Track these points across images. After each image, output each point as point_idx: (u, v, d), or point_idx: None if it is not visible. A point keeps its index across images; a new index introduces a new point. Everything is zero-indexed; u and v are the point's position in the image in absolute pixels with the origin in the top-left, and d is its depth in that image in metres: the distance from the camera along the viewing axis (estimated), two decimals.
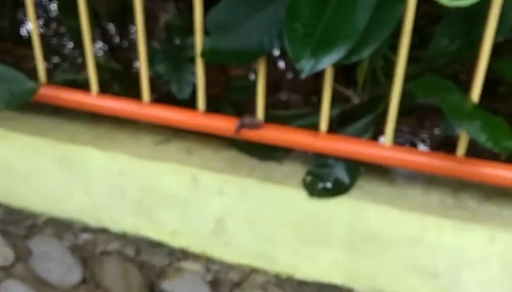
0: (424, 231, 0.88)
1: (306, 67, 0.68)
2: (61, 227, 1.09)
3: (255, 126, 0.93)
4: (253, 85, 1.20)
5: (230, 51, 0.87)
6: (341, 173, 0.93)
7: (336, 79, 0.89)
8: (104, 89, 1.04)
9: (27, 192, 1.10)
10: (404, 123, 1.56)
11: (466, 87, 0.83)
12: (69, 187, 1.06)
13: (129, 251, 1.05)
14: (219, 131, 0.96)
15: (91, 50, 0.99)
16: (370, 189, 0.92)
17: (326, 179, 0.93)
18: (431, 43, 0.86)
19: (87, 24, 0.97)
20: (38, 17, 1.52)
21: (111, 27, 1.79)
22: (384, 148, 0.89)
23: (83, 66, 1.74)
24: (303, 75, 0.68)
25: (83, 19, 0.96)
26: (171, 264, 1.04)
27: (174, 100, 1.06)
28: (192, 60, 1.11)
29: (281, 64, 1.73)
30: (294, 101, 1.71)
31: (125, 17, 1.77)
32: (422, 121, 1.64)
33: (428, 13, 0.90)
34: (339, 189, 0.91)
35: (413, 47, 0.82)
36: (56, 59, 1.82)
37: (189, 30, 1.19)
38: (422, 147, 1.52)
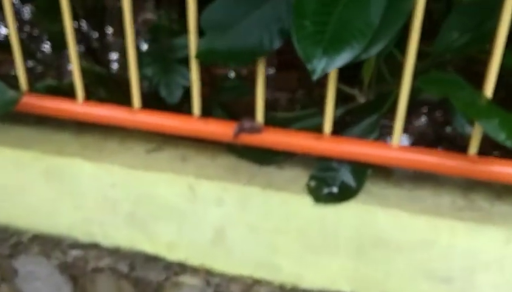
0: (437, 234, 0.84)
1: (318, 67, 0.63)
2: (48, 244, 1.03)
3: (255, 130, 0.88)
4: (244, 85, 1.16)
5: (227, 51, 0.82)
6: (347, 176, 0.88)
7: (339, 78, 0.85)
8: (88, 94, 0.98)
9: (11, 208, 1.03)
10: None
11: (475, 82, 0.80)
12: (57, 201, 0.99)
13: (123, 267, 0.99)
14: (216, 136, 0.91)
15: (76, 54, 0.93)
16: (377, 192, 0.88)
17: (332, 183, 0.88)
18: (439, 37, 0.82)
19: (71, 26, 0.91)
20: None
21: (87, 28, 1.73)
22: (392, 149, 0.84)
23: (61, 71, 1.67)
24: (315, 76, 0.64)
25: (66, 22, 0.90)
26: (168, 278, 0.98)
27: (160, 103, 1.01)
28: (181, 62, 1.06)
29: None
30: (279, 100, 1.66)
31: (102, 18, 1.70)
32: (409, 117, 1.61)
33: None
34: (345, 193, 0.87)
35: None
36: (32, 64, 1.75)
37: (177, 30, 1.15)
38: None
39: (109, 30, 1.84)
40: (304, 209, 0.88)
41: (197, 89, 0.90)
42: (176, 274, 0.98)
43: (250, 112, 1.16)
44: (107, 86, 1.21)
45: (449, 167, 0.83)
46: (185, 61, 1.07)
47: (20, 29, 1.96)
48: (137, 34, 2.05)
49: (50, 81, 1.17)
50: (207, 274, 0.97)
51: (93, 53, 1.63)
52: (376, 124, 0.87)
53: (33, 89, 0.99)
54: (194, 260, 0.97)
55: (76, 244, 1.02)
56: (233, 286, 0.96)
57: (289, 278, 0.94)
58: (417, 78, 0.80)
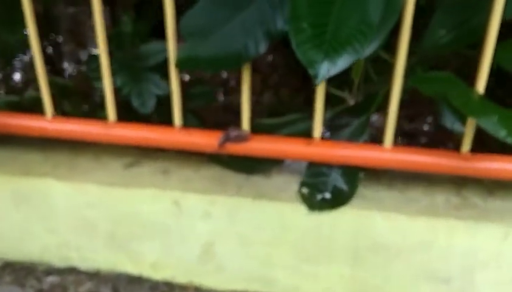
0: (435, 235, 0.82)
1: (321, 72, 0.60)
2: (21, 271, 0.95)
3: (242, 138, 0.84)
4: (212, 91, 1.11)
5: (210, 58, 0.77)
6: (339, 181, 0.85)
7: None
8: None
9: None
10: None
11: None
12: (28, 225, 0.92)
13: (106, 290, 0.92)
14: (200, 147, 0.86)
15: (42, 66, 0.86)
16: (371, 196, 0.85)
17: (324, 188, 0.85)
18: (426, 35, 0.80)
19: (36, 36, 0.84)
20: None
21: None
22: (384, 150, 0.82)
23: (10, 84, 1.57)
24: (318, 81, 0.60)
25: (31, 32, 0.83)
26: None
27: (127, 114, 0.95)
28: (152, 69, 1.01)
29: None
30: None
31: (51, 25, 1.62)
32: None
33: None
34: (339, 199, 0.84)
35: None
36: None
37: (142, 36, 1.09)
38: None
39: (59, 39, 1.75)
40: (298, 218, 0.84)
41: (177, 99, 0.85)
42: None
43: (222, 118, 1.11)
44: (72, 99, 1.14)
45: (442, 166, 0.81)
46: (157, 69, 1.02)
47: None
48: (88, 41, 1.97)
49: (9, 97, 1.09)
50: (196, 291, 0.92)
51: (49, 64, 1.55)
52: (366, 125, 0.85)
53: None
54: (181, 278, 0.92)
55: (51, 270, 0.95)
56: None
57: (285, 290, 0.90)
58: (407, 77, 0.78)
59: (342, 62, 0.60)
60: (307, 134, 0.84)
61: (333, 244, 0.85)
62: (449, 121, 0.82)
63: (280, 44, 0.80)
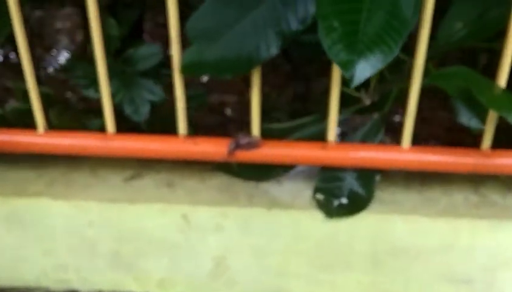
0: (456, 235, 0.80)
1: (357, 74, 0.55)
2: None
3: (253, 145, 0.79)
4: (205, 93, 1.06)
5: (219, 62, 0.72)
6: (354, 185, 0.82)
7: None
8: (32, 121, 0.84)
9: None
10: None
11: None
12: (22, 248, 0.85)
13: None
14: (207, 156, 0.81)
15: (32, 76, 0.80)
16: (389, 198, 0.82)
17: (340, 194, 0.81)
18: (441, 28, 0.77)
19: (25, 43, 0.77)
20: None
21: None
22: (403, 151, 0.79)
23: None
24: (355, 84, 0.56)
25: (18, 38, 0.76)
26: None
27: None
28: (145, 74, 0.95)
29: None
30: (228, 103, 1.58)
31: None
32: None
33: None
34: (357, 204, 0.80)
35: None
36: None
37: (129, 40, 1.03)
38: None
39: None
40: (314, 225, 0.80)
41: (182, 107, 0.80)
42: None
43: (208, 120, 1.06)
44: (57, 109, 1.07)
45: (463, 164, 0.79)
46: (149, 74, 0.97)
47: None
48: (56, 44, 1.88)
49: None
50: None
51: (17, 70, 1.46)
52: (381, 124, 0.81)
53: None
54: None
55: None
56: None
57: None
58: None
59: (376, 62, 0.56)
60: (319, 137, 0.81)
61: (351, 251, 0.82)
62: (466, 118, 0.79)
63: None
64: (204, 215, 0.81)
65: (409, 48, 0.73)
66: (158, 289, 0.87)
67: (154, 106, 0.93)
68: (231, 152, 0.79)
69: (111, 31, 1.02)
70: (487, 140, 0.78)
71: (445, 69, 0.76)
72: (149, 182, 0.86)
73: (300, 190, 0.84)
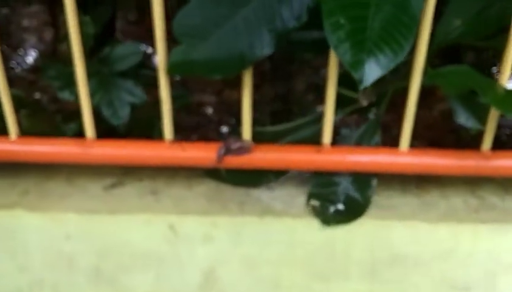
0: (457, 241, 0.77)
1: (368, 75, 0.51)
2: None
3: (244, 150, 0.75)
4: (187, 93, 1.01)
5: (209, 61, 0.67)
6: (350, 189, 0.78)
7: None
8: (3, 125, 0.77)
9: None
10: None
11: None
12: None
13: None
14: (195, 162, 0.76)
15: (3, 78, 0.73)
16: (386, 203, 0.79)
17: (336, 199, 0.77)
18: (439, 25, 0.74)
19: None
20: None
21: None
22: (401, 154, 0.75)
23: None
24: (364, 86, 0.52)
25: None
26: None
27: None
28: (123, 75, 0.90)
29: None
30: (205, 103, 1.53)
31: None
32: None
33: None
34: (354, 209, 0.76)
35: None
36: None
37: (104, 38, 0.97)
38: None
39: None
40: (309, 233, 0.76)
41: (168, 109, 0.74)
42: None
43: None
44: (28, 111, 1.00)
45: (463, 167, 0.76)
46: (128, 74, 0.91)
47: None
48: (23, 43, 1.80)
49: None
50: None
51: None
52: (377, 125, 0.78)
53: None
54: None
55: None
56: None
57: None
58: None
59: (387, 61, 0.52)
60: (312, 140, 0.77)
61: (348, 259, 0.78)
62: (463, 118, 0.76)
63: None
64: (192, 224, 0.76)
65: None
66: None
67: (133, 108, 0.88)
68: (221, 158, 0.74)
69: (86, 30, 0.96)
70: (487, 142, 0.75)
71: (443, 67, 0.72)
72: (131, 190, 0.80)
73: (293, 197, 0.79)
